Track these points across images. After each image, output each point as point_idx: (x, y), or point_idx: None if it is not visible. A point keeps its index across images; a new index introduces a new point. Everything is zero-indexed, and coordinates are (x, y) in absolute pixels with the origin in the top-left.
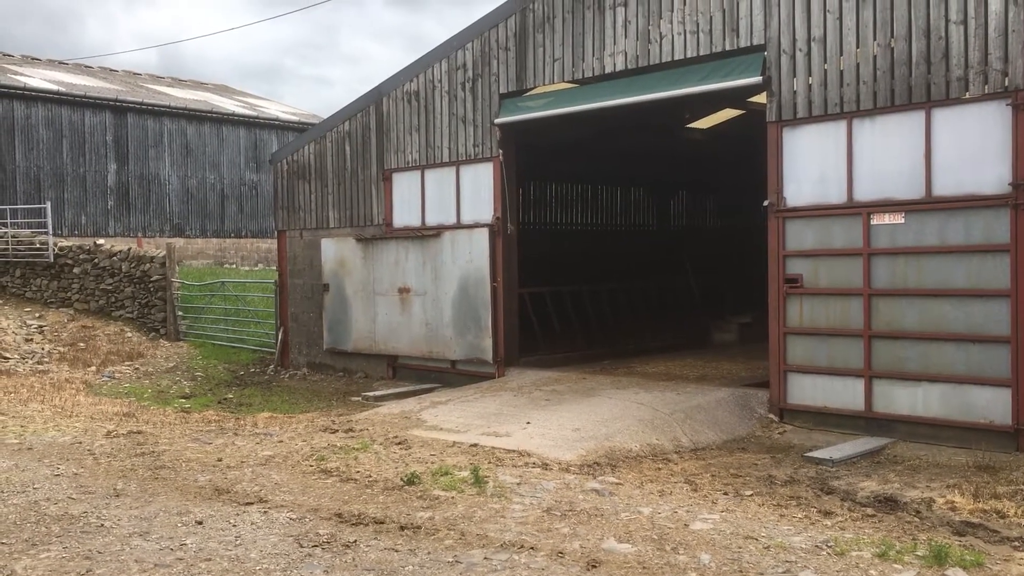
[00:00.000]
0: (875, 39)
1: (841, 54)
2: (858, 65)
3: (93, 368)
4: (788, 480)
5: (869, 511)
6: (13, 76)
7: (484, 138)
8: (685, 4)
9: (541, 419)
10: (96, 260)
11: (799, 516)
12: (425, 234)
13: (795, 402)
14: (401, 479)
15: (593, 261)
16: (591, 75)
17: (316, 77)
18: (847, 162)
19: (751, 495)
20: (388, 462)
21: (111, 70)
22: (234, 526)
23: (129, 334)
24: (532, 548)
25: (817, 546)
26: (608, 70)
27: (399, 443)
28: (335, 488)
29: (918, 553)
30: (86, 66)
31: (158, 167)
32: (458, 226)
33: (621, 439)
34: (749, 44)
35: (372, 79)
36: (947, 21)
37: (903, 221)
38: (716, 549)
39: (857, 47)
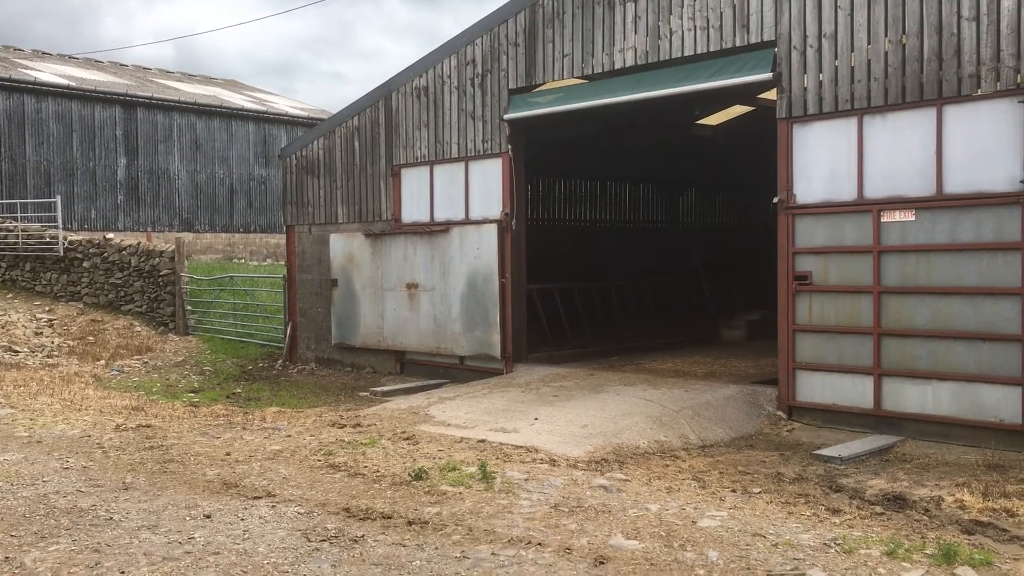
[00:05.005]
0: (886, 35)
1: (852, 50)
2: (869, 61)
3: (102, 362)
4: (796, 478)
5: (878, 509)
6: (24, 70)
7: (493, 134)
8: (695, 0)
9: (549, 415)
10: (106, 254)
11: (807, 514)
12: (434, 230)
13: (804, 399)
14: (409, 474)
15: (602, 257)
16: (600, 71)
17: (331, 73)
18: (858, 159)
19: (759, 492)
20: (396, 457)
21: (121, 65)
22: (242, 520)
23: (138, 328)
24: (539, 544)
25: (825, 544)
26: (618, 66)
27: (407, 438)
28: (343, 483)
29: (927, 551)
30: (96, 61)
31: (167, 162)
32: (467, 222)
33: (629, 436)
34: (760, 40)
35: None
36: (959, 17)
37: (914, 218)
38: (724, 546)
39: (868, 43)
